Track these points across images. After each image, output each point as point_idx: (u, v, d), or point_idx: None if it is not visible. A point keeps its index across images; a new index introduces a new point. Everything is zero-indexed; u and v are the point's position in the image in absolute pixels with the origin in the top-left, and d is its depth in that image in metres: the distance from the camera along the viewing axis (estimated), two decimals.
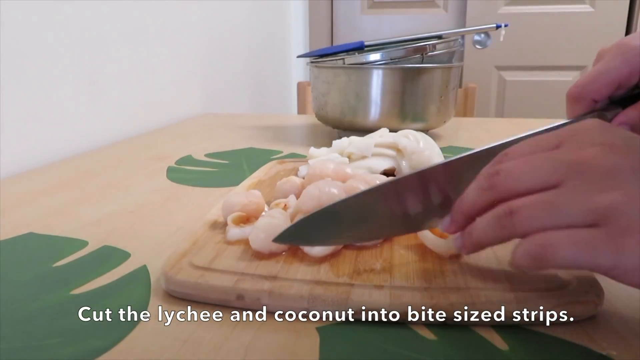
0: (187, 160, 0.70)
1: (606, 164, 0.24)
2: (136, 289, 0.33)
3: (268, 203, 0.44)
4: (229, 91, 1.38)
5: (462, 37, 0.82)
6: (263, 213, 0.41)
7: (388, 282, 0.31)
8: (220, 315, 0.30)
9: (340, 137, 0.72)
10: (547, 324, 0.28)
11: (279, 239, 0.33)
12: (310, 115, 1.12)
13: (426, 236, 0.35)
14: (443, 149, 0.73)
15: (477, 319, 0.28)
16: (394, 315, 0.29)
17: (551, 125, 0.33)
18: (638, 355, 0.26)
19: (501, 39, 0.90)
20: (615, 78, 0.35)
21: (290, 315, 0.30)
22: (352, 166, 0.53)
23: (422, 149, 0.54)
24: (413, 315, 0.29)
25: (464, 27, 1.78)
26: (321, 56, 0.79)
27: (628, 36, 0.36)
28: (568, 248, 0.23)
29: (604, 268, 0.23)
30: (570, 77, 1.94)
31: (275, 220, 0.35)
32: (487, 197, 0.27)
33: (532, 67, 1.96)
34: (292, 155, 0.72)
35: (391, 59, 0.74)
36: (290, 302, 0.30)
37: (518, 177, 0.26)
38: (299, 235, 0.33)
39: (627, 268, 0.23)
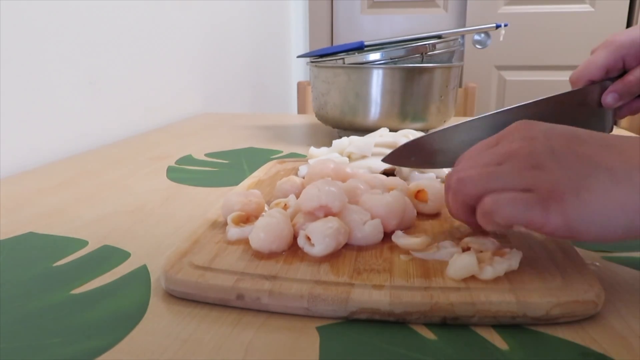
0: (187, 160, 0.70)
1: (529, 150, 0.31)
2: (136, 288, 0.33)
3: (268, 202, 0.44)
4: (229, 91, 1.38)
5: (462, 37, 0.82)
6: (263, 213, 0.41)
7: (388, 282, 0.31)
8: (220, 315, 0.30)
9: (340, 137, 0.72)
10: (547, 324, 0.28)
11: (387, 159, 0.42)
12: (310, 115, 1.12)
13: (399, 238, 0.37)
14: None
15: (477, 319, 0.28)
16: (394, 315, 0.29)
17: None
18: (638, 355, 0.26)
19: (501, 38, 0.90)
20: (603, 65, 0.47)
21: (290, 315, 0.30)
22: (352, 166, 0.53)
23: None
24: (413, 315, 0.29)
25: (464, 27, 1.78)
26: (321, 56, 0.79)
27: (614, 33, 0.48)
28: (510, 205, 0.30)
29: (537, 224, 0.29)
30: None
31: (275, 219, 0.35)
32: (458, 199, 0.34)
33: (532, 67, 1.96)
34: (292, 155, 0.72)
35: (391, 59, 0.74)
36: (290, 302, 0.30)
37: (467, 172, 0.33)
38: (402, 158, 0.42)
39: (553, 225, 0.29)
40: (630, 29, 0.48)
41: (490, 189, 0.31)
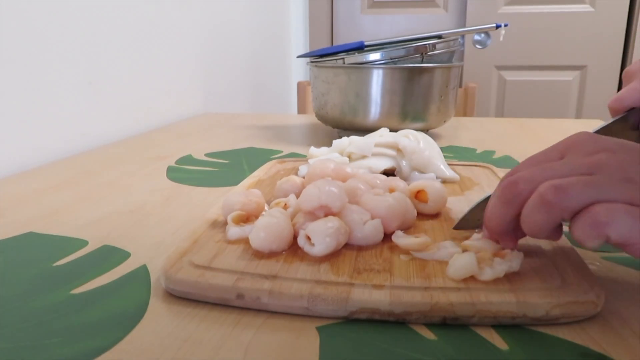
0: (187, 159, 0.70)
1: (616, 162, 0.28)
2: (136, 288, 0.33)
3: (268, 202, 0.44)
4: (229, 91, 1.38)
5: (462, 37, 0.82)
6: (263, 212, 0.41)
7: (388, 282, 0.31)
8: (220, 315, 0.30)
9: (340, 137, 0.72)
10: (547, 324, 0.28)
11: (458, 227, 0.38)
12: (310, 115, 1.12)
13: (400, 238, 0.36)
14: (443, 149, 0.73)
15: (477, 319, 0.28)
16: (394, 315, 0.29)
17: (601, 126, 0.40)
18: (638, 355, 0.26)
19: (501, 38, 0.90)
20: None
21: (290, 315, 0.30)
22: (352, 166, 0.53)
23: (422, 149, 0.54)
24: (413, 315, 0.29)
25: (464, 27, 1.78)
26: (321, 56, 0.79)
27: None
28: (628, 218, 0.26)
29: None
30: (570, 77, 1.94)
31: (275, 219, 0.35)
32: (514, 209, 0.29)
33: (532, 67, 1.96)
34: (292, 155, 0.72)
35: (391, 59, 0.74)
36: (290, 302, 0.30)
37: (541, 180, 0.28)
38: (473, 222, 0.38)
39: None
40: None
41: (599, 199, 0.27)
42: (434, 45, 0.75)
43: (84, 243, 0.41)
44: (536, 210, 0.28)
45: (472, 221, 0.39)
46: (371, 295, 0.29)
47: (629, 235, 0.26)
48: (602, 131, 0.41)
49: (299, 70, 2.05)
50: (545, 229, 0.29)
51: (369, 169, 0.54)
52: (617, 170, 0.27)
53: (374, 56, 0.74)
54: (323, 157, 0.56)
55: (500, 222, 0.31)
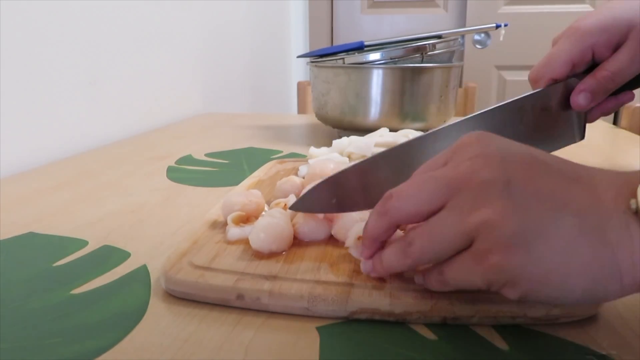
0: (187, 159, 0.70)
1: (477, 179, 0.25)
2: (136, 288, 0.33)
3: (268, 203, 0.44)
4: (229, 91, 1.38)
5: (462, 36, 0.82)
6: (263, 213, 0.41)
7: (388, 282, 0.31)
8: (220, 315, 0.30)
9: (340, 137, 0.72)
10: (547, 324, 0.28)
11: (294, 207, 0.35)
12: (310, 115, 1.12)
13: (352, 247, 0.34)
14: None
15: (477, 319, 0.28)
16: (394, 315, 0.29)
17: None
18: (638, 355, 0.26)
19: (501, 38, 0.90)
20: (568, 58, 0.38)
21: (290, 315, 0.30)
22: None
23: None
24: (413, 315, 0.29)
25: (464, 26, 1.78)
26: (321, 56, 0.79)
27: (579, 18, 0.39)
28: (456, 277, 0.26)
29: (483, 287, 0.25)
30: None
31: (275, 219, 0.35)
32: (384, 222, 0.28)
33: (532, 67, 1.96)
34: (292, 155, 0.72)
35: (391, 59, 0.74)
36: (290, 302, 0.30)
37: (406, 200, 0.27)
38: (311, 204, 0.35)
39: (499, 284, 0.24)
40: (595, 11, 0.39)
41: (438, 253, 0.26)
42: (434, 45, 0.75)
43: (84, 243, 0.41)
44: (393, 254, 0.28)
45: (323, 202, 0.34)
46: (371, 295, 0.29)
47: (465, 287, 0.26)
48: (511, 107, 0.38)
49: (299, 70, 2.05)
50: (401, 270, 0.29)
51: None
52: (476, 191, 0.24)
53: (374, 56, 0.74)
54: (323, 157, 0.56)
55: (372, 231, 0.29)
